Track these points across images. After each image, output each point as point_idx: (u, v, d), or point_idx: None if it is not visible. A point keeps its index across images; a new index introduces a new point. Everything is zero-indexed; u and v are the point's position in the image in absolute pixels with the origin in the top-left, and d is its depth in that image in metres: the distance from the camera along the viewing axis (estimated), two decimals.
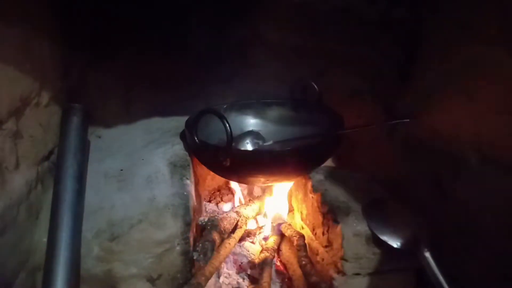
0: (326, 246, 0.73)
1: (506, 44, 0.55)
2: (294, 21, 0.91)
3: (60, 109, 0.73)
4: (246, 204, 0.91)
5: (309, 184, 0.81)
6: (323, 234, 0.74)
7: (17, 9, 0.60)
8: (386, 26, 0.81)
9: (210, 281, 0.69)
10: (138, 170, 0.75)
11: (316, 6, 0.87)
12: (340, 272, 0.67)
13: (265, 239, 0.88)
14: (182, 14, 0.89)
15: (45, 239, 0.61)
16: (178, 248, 0.64)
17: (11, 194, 0.56)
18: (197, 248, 0.67)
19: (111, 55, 0.89)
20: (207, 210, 0.96)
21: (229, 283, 0.79)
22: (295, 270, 0.76)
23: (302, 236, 0.78)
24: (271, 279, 0.73)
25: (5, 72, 0.56)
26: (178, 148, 0.80)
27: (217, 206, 0.99)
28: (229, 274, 0.81)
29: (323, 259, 0.73)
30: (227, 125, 0.66)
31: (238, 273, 0.81)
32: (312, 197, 0.79)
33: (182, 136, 0.84)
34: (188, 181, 0.73)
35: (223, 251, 0.74)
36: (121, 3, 0.83)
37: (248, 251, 0.86)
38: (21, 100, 0.60)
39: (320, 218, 0.75)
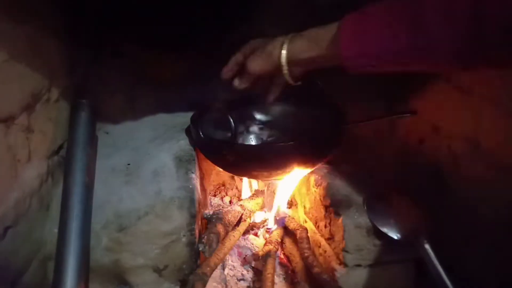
0: (328, 239, 0.74)
1: None
2: (295, 17, 0.92)
3: (69, 105, 0.75)
4: (251, 198, 0.92)
5: (312, 178, 0.82)
6: (325, 226, 0.75)
7: (26, 7, 0.61)
8: None
9: (215, 272, 0.71)
10: (144, 164, 0.76)
11: (317, 1, 0.88)
12: (342, 263, 0.68)
13: (269, 232, 0.90)
14: (186, 11, 0.91)
15: (55, 230, 0.63)
16: (184, 239, 0.66)
17: (24, 186, 0.58)
18: (203, 240, 0.68)
19: (115, 52, 0.90)
20: (212, 204, 0.98)
21: (233, 275, 0.80)
22: (298, 262, 0.77)
23: (305, 229, 0.80)
24: (274, 271, 0.75)
25: (16, 69, 0.57)
26: (183, 143, 0.82)
27: (222, 200, 1.00)
28: (233, 266, 0.82)
29: (325, 251, 0.75)
30: (231, 120, 0.68)
31: (242, 265, 0.83)
32: (315, 190, 0.80)
33: (188, 131, 0.85)
34: (193, 175, 0.74)
35: (228, 243, 0.76)
36: (126, 2, 0.85)
37: (252, 243, 0.88)
38: (32, 96, 0.62)
39: (323, 211, 0.76)
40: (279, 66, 0.56)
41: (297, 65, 0.58)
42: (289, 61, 0.56)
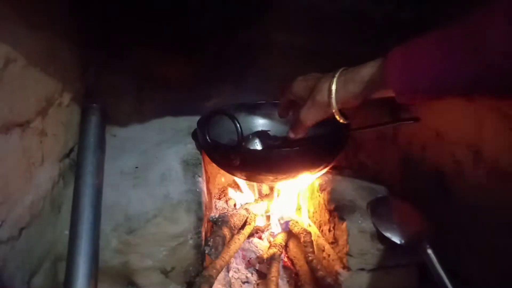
0: (332, 243, 0.75)
1: None
2: (302, 23, 0.93)
3: (80, 109, 0.77)
4: (256, 201, 0.93)
5: (316, 183, 0.84)
6: (329, 231, 0.77)
7: (43, 14, 0.63)
8: (392, 27, 0.83)
9: (220, 275, 0.72)
10: (152, 167, 0.78)
11: (324, 7, 0.89)
12: (345, 267, 0.69)
13: (273, 235, 0.91)
14: (193, 16, 0.92)
15: (66, 232, 0.65)
16: (191, 242, 0.67)
17: (37, 188, 0.60)
18: (209, 243, 0.69)
19: (123, 56, 0.92)
20: (217, 207, 0.99)
21: (238, 278, 0.81)
22: (302, 266, 0.78)
23: (309, 233, 0.81)
24: (278, 274, 0.76)
25: (32, 75, 0.59)
26: (190, 147, 0.83)
27: (227, 203, 1.02)
28: (238, 269, 0.83)
29: (329, 255, 0.76)
30: (238, 125, 0.69)
31: (246, 268, 0.84)
32: (319, 195, 0.82)
33: (194, 135, 0.86)
34: (200, 179, 0.76)
35: (233, 246, 0.77)
36: (134, 5, 0.86)
37: (257, 247, 0.89)
38: (46, 101, 0.64)
39: (327, 215, 0.78)
40: (331, 114, 0.59)
41: (348, 107, 0.59)
42: (340, 107, 0.58)
